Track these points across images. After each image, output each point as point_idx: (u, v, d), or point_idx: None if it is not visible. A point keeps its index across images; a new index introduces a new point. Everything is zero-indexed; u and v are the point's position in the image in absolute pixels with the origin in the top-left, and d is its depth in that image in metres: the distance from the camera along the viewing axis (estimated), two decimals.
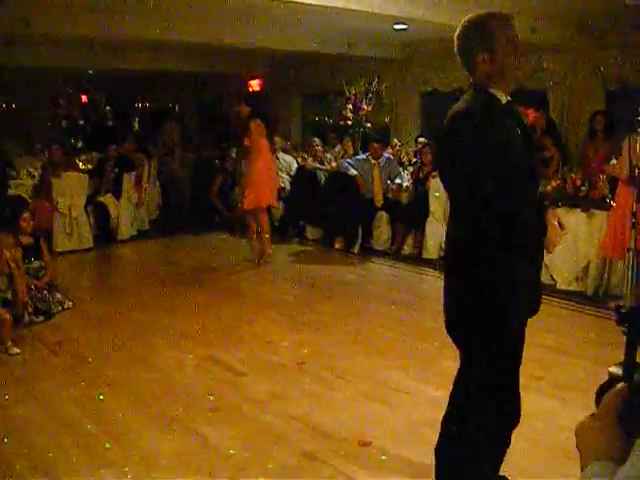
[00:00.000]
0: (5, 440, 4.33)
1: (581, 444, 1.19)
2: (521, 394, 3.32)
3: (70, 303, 7.10)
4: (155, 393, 5.07)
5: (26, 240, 6.90)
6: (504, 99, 2.99)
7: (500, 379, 3.12)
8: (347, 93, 11.42)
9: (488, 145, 2.79)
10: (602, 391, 1.23)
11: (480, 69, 2.96)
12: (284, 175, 11.35)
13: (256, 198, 8.99)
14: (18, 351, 5.91)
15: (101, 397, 4.98)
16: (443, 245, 9.06)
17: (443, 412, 4.70)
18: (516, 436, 3.38)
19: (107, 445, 4.26)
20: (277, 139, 11.55)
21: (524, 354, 3.24)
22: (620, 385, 1.20)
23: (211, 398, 4.95)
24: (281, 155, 11.53)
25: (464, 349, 3.15)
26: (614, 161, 7.39)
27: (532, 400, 4.30)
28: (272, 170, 9.42)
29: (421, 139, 11.22)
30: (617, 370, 1.23)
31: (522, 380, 3.32)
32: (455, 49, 3.07)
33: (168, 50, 12.58)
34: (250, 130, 8.95)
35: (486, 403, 3.09)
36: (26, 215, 7.02)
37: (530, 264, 3.03)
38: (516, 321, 3.05)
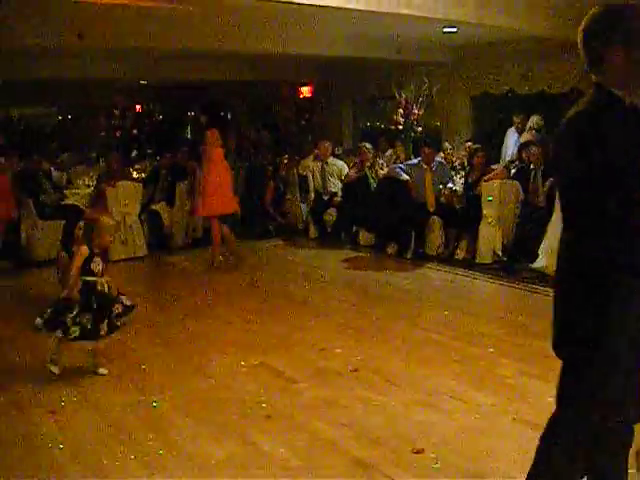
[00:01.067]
0: (60, 446, 4.39)
1: None
2: None
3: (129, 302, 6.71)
4: (208, 400, 5.08)
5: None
6: (627, 100, 2.68)
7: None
8: (397, 97, 11.37)
9: (609, 149, 2.52)
10: None
11: (609, 65, 2.65)
12: (335, 181, 11.35)
13: (208, 207, 9.25)
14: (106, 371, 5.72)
15: (154, 404, 5.02)
16: (496, 250, 8.99)
17: (495, 419, 4.65)
18: None
19: (160, 452, 4.28)
20: (327, 145, 11.56)
21: None
22: None
23: (264, 405, 4.95)
24: (332, 160, 11.53)
25: (570, 366, 2.78)
26: None
27: None
28: (226, 179, 9.50)
29: (469, 143, 11.19)
30: None
31: None
32: (580, 40, 2.74)
33: (218, 59, 12.71)
34: (205, 139, 9.31)
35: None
36: (81, 224, 7.10)
37: None
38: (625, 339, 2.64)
